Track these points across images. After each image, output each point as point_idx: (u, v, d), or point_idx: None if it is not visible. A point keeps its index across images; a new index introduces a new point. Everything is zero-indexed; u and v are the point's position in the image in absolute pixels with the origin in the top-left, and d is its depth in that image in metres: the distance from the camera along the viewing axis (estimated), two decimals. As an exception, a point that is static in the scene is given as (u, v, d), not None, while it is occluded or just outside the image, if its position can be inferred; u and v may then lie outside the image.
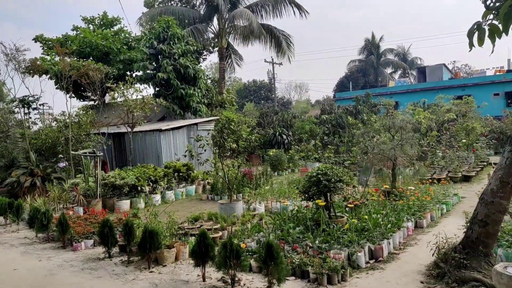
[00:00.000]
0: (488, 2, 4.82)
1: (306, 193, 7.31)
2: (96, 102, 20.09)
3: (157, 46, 19.02)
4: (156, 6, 26.68)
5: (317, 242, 6.38)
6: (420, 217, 8.20)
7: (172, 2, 26.32)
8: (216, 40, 24.03)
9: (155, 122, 20.33)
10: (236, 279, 5.62)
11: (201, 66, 25.45)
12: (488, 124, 23.28)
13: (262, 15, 22.92)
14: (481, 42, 4.79)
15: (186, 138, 17.32)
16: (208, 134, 14.98)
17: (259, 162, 21.43)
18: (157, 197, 12.51)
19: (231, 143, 9.49)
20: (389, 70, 50.56)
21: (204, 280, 5.80)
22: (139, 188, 12.17)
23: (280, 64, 35.51)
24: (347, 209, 8.12)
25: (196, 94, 19.31)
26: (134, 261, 6.85)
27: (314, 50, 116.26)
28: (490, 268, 4.78)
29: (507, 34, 4.55)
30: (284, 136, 22.08)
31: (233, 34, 23.80)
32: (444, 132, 17.25)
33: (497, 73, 34.36)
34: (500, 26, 4.64)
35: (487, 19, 4.75)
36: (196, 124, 18.01)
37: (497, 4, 4.79)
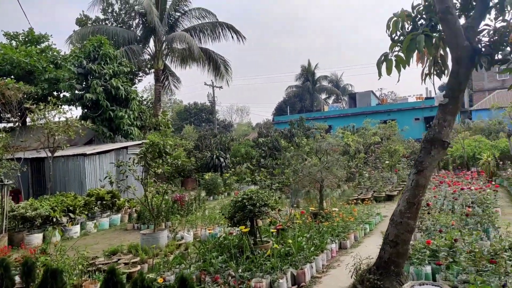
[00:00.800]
0: (393, 36, 5.19)
1: (231, 219, 7.17)
2: (16, 124, 18.56)
3: (86, 66, 18.19)
4: (89, 24, 25.73)
5: (240, 270, 6.21)
6: (344, 238, 8.39)
7: (107, 22, 25.56)
8: (153, 61, 23.61)
9: (81, 146, 19.19)
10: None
11: (136, 87, 24.76)
12: (410, 146, 25.07)
13: (200, 39, 23.05)
14: (389, 71, 5.12)
15: (115, 162, 16.48)
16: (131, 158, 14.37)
17: (195, 186, 21.00)
18: (76, 228, 11.53)
19: (155, 168, 9.13)
20: (323, 96, 53.10)
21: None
22: (54, 219, 11.15)
23: (220, 87, 35.70)
24: (273, 233, 8.08)
25: (128, 116, 18.62)
26: (38, 304, 6.15)
27: (256, 74, 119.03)
28: (401, 288, 4.95)
29: (408, 64, 4.92)
30: (222, 159, 21.94)
31: (170, 56, 23.56)
32: (371, 154, 18.22)
33: (417, 100, 37.48)
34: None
35: (393, 50, 5.12)
36: (126, 147, 17.26)
37: (401, 38, 5.19)
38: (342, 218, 9.30)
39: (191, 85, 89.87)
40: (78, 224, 11.71)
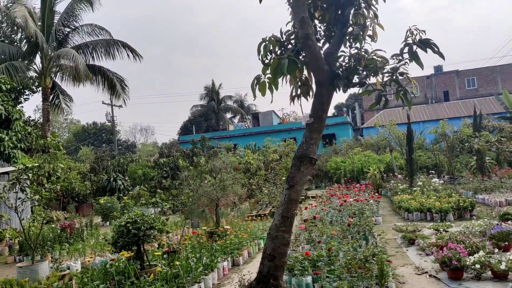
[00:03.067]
0: (264, 59, 5.52)
1: (115, 244, 6.79)
2: None
3: (-44, 82, 16.01)
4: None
5: (124, 297, 5.90)
6: (237, 255, 8.49)
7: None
8: (39, 79, 21.68)
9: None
10: None
11: (22, 106, 22.42)
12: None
13: (93, 56, 21.85)
14: (263, 92, 5.39)
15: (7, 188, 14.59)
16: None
17: (91, 212, 19.57)
18: None
19: (31, 195, 8.29)
20: (229, 115, 54.04)
21: None
22: None
23: (120, 106, 34.14)
24: (165, 256, 7.85)
25: (9, 138, 16.73)
26: None
27: (161, 93, 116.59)
28: (280, 300, 5.13)
29: (276, 87, 5.25)
30: (120, 182, 20.83)
31: (60, 74, 21.88)
32: (270, 171, 18.93)
33: (316, 119, 40.22)
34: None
35: (266, 73, 5.42)
36: (7, 172, 15.42)
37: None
38: (236, 235, 9.42)
39: (89, 104, 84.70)
40: None
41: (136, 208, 15.77)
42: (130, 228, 6.72)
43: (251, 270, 6.29)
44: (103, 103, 33.53)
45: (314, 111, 5.23)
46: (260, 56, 5.37)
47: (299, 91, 5.53)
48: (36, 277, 7.87)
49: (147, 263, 7.19)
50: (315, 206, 12.32)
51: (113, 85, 21.19)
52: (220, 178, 10.38)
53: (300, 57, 5.36)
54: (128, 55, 21.04)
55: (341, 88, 5.09)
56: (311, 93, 5.56)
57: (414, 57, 5.13)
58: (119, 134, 52.05)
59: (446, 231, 8.74)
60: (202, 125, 47.78)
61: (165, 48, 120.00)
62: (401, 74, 5.41)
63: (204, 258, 7.63)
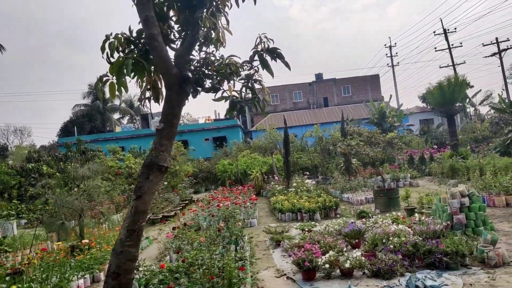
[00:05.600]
0: (111, 59, 5.06)
1: None
2: None
3: None
4: None
5: None
6: (98, 270, 7.79)
7: None
8: None
9: None
10: None
11: None
12: (199, 165, 26.48)
13: None
14: (112, 94, 4.89)
15: None
16: None
17: None
18: None
19: None
20: (116, 116, 50.83)
21: None
22: None
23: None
24: (8, 278, 6.79)
25: None
26: None
27: (39, 90, 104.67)
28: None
29: (125, 88, 4.84)
30: (-28, 191, 17.86)
31: None
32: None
33: (207, 122, 40.24)
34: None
35: (113, 74, 4.96)
36: None
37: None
38: (100, 249, 8.67)
39: None
40: None
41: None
42: (-50, 251, 5.63)
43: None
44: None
45: (164, 116, 4.95)
46: (105, 55, 4.91)
47: (148, 94, 5.22)
48: None
49: (-22, 290, 6.13)
50: (195, 211, 12.08)
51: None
52: (84, 186, 9.45)
53: (150, 57, 5.04)
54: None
55: (190, 94, 4.92)
56: (161, 97, 5.28)
57: (264, 65, 5.20)
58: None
59: (310, 231, 9.23)
60: (85, 126, 43.94)
61: (42, 41, 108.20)
62: (255, 81, 5.46)
63: (54, 277, 6.82)
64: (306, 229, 9.46)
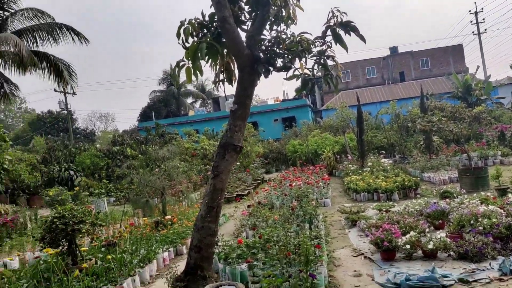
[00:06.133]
0: (186, 44, 5.24)
1: (42, 241, 6.45)
2: None
3: None
4: None
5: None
6: (180, 244, 8.33)
7: None
8: (-22, 67, 20.15)
9: None
10: None
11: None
12: (269, 146, 26.77)
13: (37, 41, 20.50)
14: (188, 78, 5.13)
15: None
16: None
17: (42, 204, 18.75)
18: None
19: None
20: (189, 100, 52.99)
21: None
22: None
23: (74, 93, 32.61)
24: (103, 249, 7.57)
25: None
26: None
27: (120, 79, 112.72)
28: (208, 291, 5.01)
29: (200, 72, 5.00)
30: (72, 172, 20.00)
31: (2, 61, 20.40)
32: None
33: (275, 102, 40.29)
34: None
35: (189, 59, 5.15)
36: None
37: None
38: (181, 224, 9.25)
39: (42, 92, 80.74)
40: None
41: (89, 199, 15.26)
42: (57, 223, 6.39)
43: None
44: (55, 90, 31.94)
45: (237, 98, 5.06)
46: (180, 40, 5.10)
47: (222, 77, 5.33)
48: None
49: (81, 258, 6.90)
50: (267, 190, 12.30)
51: (60, 71, 20.04)
52: (165, 167, 10.08)
53: (223, 40, 5.14)
54: (73, 39, 19.89)
55: (262, 73, 4.93)
56: (234, 79, 5.37)
57: (337, 39, 5.03)
58: (76, 122, 50.00)
59: (388, 211, 8.92)
60: (162, 111, 46.64)
61: (121, 33, 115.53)
62: (328, 57, 5.31)
63: (142, 249, 7.44)
64: (384, 209, 9.15)
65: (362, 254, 6.74)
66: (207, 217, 5.12)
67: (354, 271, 5.94)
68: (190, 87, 50.61)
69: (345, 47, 5.11)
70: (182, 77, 48.07)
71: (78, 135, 45.45)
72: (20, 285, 6.11)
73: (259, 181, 18.03)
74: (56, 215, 6.51)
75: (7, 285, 6.34)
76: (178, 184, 11.08)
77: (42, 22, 20.61)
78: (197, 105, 53.49)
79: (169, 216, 9.25)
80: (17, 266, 8.48)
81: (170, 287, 5.55)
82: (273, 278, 4.89)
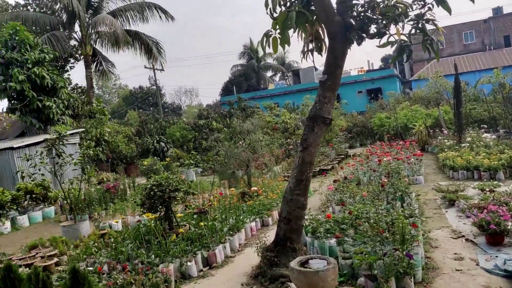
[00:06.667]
0: (274, 15, 5.10)
1: (142, 206, 7.02)
2: None
3: (5, 55, 16.86)
4: (10, 11, 23.77)
5: (152, 257, 6.14)
6: (266, 216, 8.50)
7: (28, 8, 23.70)
8: (80, 47, 22.33)
9: (12, 139, 18.04)
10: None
11: (69, 74, 23.36)
12: (353, 119, 25.75)
13: (129, 21, 22.02)
14: (275, 49, 5.05)
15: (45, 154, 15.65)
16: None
17: (138, 173, 20.53)
18: (7, 224, 11.05)
19: (62, 161, 8.69)
20: (269, 73, 52.99)
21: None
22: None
23: (162, 70, 34.57)
24: (195, 216, 8.02)
25: (57, 106, 17.61)
26: None
27: (201, 54, 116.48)
28: (296, 263, 5.04)
29: (286, 42, 4.85)
30: (163, 144, 21.49)
31: (100, 40, 22.38)
32: (309, 130, 18.47)
33: (359, 73, 38.36)
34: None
35: (276, 29, 5.03)
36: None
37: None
38: (267, 196, 9.40)
39: (134, 69, 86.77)
40: (8, 219, 11.24)
41: (179, 170, 16.29)
42: (155, 190, 6.89)
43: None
44: (145, 67, 34.19)
45: (327, 67, 4.82)
46: (268, 10, 4.96)
47: (311, 46, 5.11)
48: (78, 235, 8.45)
49: (176, 223, 7.41)
50: (353, 165, 11.90)
51: (150, 49, 21.35)
52: (249, 139, 10.26)
53: (312, 7, 4.89)
54: (160, 17, 20.94)
55: (354, 41, 4.61)
56: (324, 48, 5.11)
57: (440, 0, 4.49)
58: (164, 97, 53.24)
59: (493, 191, 8.09)
60: (242, 85, 47.46)
61: (200, 8, 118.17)
62: (427, 21, 4.80)
63: (231, 218, 7.72)
64: (487, 189, 8.31)
65: (463, 236, 6.21)
66: (296, 190, 5.08)
67: (454, 254, 5.50)
68: (269, 60, 50.61)
69: (448, 9, 4.56)
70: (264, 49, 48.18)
71: (166, 109, 48.41)
72: (125, 245, 6.76)
73: (342, 156, 17.58)
74: (154, 183, 7.02)
75: (113, 244, 7.07)
76: (261, 157, 11.22)
77: (133, 2, 21.89)
78: (277, 78, 53.38)
79: (255, 188, 9.45)
80: (120, 228, 9.44)
81: (260, 256, 5.70)
82: (366, 255, 4.74)
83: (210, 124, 22.15)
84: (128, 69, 76.19)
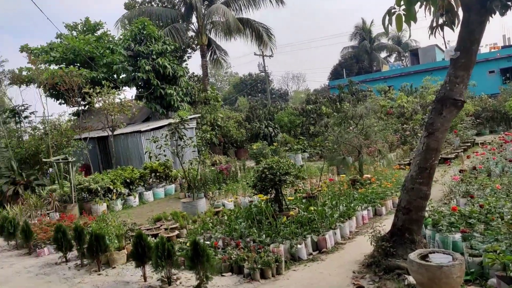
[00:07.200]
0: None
1: (254, 187, 7.29)
2: (83, 107, 20.23)
3: (134, 48, 19.00)
4: (137, 7, 26.63)
5: (263, 236, 6.38)
6: (379, 205, 8.11)
7: (152, 3, 26.21)
8: (197, 38, 23.93)
9: (139, 123, 20.40)
10: (175, 277, 5.70)
11: (187, 64, 25.32)
12: (481, 103, 22.71)
13: (241, 9, 22.79)
14: (399, 27, 4.69)
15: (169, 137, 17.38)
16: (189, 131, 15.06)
17: (247, 156, 21.44)
18: (135, 198, 12.63)
19: (183, 143, 9.43)
20: (383, 54, 49.72)
21: (145, 280, 5.86)
22: (115, 190, 12.24)
23: (271, 56, 35.23)
24: (304, 200, 8.05)
25: (177, 93, 19.29)
26: (87, 264, 6.92)
27: (307, 39, 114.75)
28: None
29: (412, 19, 4.43)
30: (271, 129, 22.00)
31: (213, 30, 23.68)
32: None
33: (492, 50, 33.57)
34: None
35: (400, 4, 4.64)
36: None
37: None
38: (380, 185, 8.95)
39: (243, 56, 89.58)
40: (136, 194, 12.81)
41: (286, 154, 16.54)
42: (267, 173, 7.08)
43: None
44: (255, 54, 35.17)
45: (460, 43, 4.28)
46: (391, -17, 4.59)
47: (441, 20, 4.57)
48: (195, 211, 9.20)
49: (286, 206, 7.54)
50: (482, 154, 10.59)
51: (260, 35, 21.83)
52: (362, 125, 9.83)
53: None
54: (271, 2, 21.14)
55: (496, 12, 3.98)
56: (456, 22, 4.53)
57: None
58: (272, 83, 54.27)
59: None
60: (353, 68, 45.64)
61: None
62: None
63: (341, 205, 7.55)
64: None
65: None
66: (418, 178, 4.70)
67: None
68: (384, 40, 47.51)
69: None
70: (375, 30, 45.50)
71: (273, 95, 49.34)
72: (238, 223, 7.13)
73: (468, 144, 15.78)
74: (266, 166, 7.21)
75: (227, 221, 7.53)
76: (373, 144, 10.69)
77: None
78: (392, 59, 49.99)
79: (368, 175, 9.07)
80: (231, 207, 9.99)
81: (373, 245, 5.47)
82: (500, 255, 4.19)
83: (319, 109, 21.89)
84: (239, 56, 79.08)
